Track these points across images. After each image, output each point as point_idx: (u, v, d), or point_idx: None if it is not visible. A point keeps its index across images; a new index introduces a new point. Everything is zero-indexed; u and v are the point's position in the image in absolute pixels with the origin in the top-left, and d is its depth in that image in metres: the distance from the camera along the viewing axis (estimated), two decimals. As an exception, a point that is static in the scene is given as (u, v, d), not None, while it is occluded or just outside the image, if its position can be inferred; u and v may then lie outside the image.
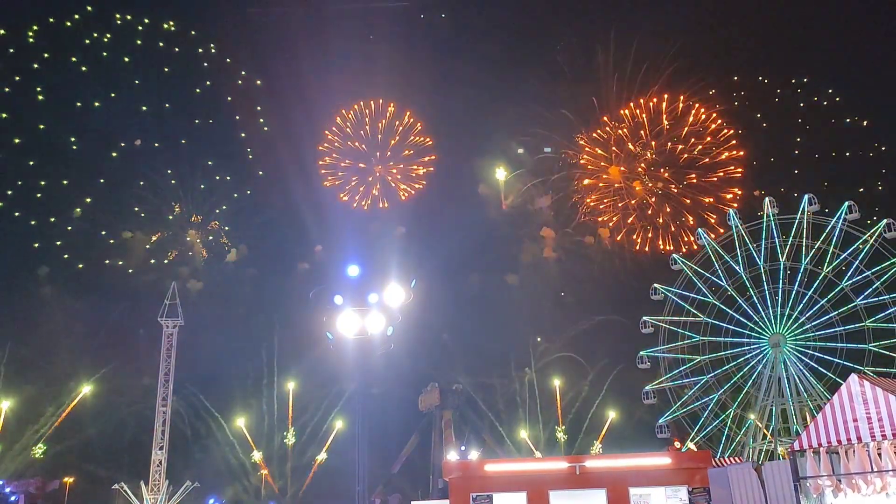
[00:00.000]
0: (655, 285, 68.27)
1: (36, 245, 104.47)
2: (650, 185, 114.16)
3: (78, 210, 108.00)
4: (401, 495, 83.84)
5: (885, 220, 59.10)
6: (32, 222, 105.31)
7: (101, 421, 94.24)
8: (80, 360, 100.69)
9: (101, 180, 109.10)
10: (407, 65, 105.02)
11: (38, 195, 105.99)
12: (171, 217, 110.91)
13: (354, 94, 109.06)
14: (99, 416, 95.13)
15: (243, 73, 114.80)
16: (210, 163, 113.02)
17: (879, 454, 19.60)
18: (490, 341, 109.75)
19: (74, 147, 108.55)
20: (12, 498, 77.66)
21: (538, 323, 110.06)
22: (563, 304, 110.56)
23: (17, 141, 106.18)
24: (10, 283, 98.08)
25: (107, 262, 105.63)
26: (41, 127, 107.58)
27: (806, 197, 62.61)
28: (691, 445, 63.50)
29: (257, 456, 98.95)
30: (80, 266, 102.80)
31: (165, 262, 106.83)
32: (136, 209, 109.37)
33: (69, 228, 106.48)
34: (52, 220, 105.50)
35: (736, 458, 49.37)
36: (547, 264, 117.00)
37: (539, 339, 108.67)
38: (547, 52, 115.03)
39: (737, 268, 65.48)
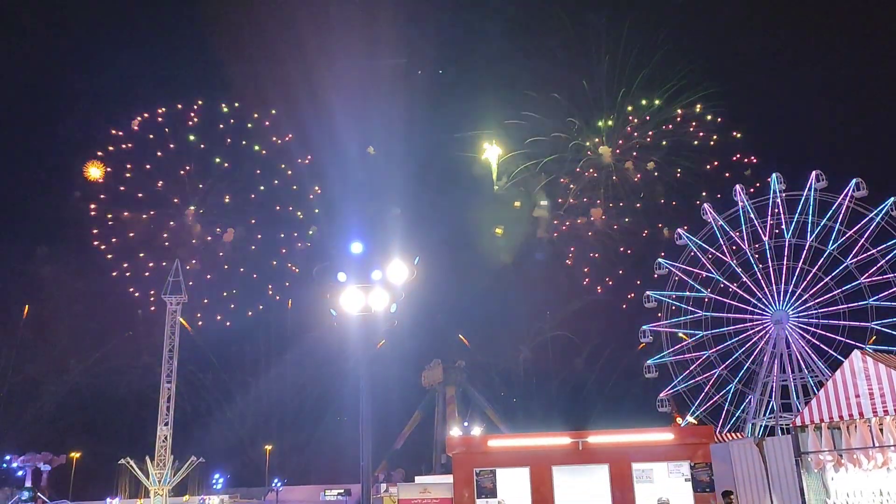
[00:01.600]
0: (659, 260, 68.39)
1: (34, 225, 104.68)
2: (646, 165, 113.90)
3: (78, 193, 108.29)
4: (404, 471, 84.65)
5: (892, 198, 58.82)
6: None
7: (103, 398, 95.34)
8: (80, 339, 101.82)
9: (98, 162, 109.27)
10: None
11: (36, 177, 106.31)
12: (175, 201, 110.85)
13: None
14: (101, 393, 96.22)
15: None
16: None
17: (881, 429, 19.67)
18: (490, 319, 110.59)
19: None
20: (20, 472, 78.45)
21: (536, 301, 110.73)
22: (561, 283, 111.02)
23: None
24: (9, 264, 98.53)
25: (103, 243, 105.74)
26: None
27: (813, 173, 62.24)
28: (691, 419, 63.96)
29: (260, 433, 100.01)
30: (79, 246, 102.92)
31: (166, 244, 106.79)
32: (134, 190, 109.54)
33: (68, 209, 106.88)
34: (50, 201, 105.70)
35: (738, 434, 49.65)
36: (543, 244, 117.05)
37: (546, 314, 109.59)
38: (543, 37, 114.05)
39: (741, 244, 65.37)
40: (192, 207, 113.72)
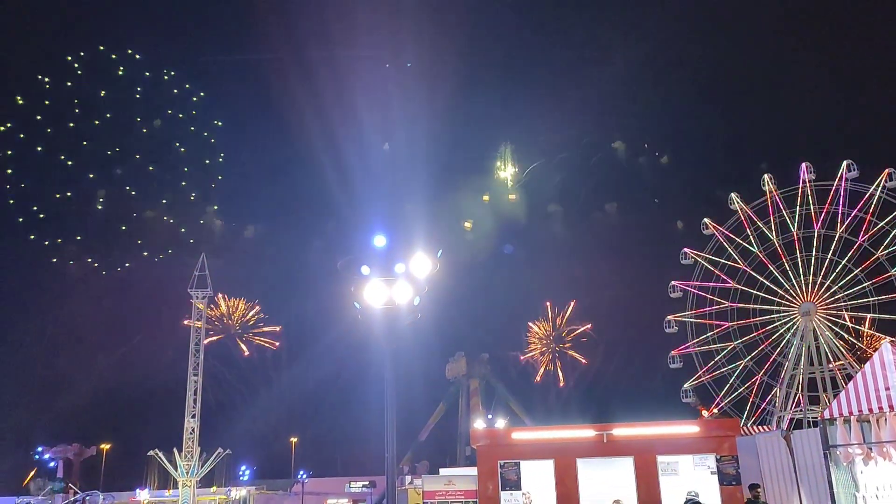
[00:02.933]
0: (685, 249, 67.68)
1: (62, 224, 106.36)
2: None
3: (102, 192, 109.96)
4: (428, 463, 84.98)
5: None
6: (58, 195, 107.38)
7: (131, 391, 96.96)
8: (108, 333, 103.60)
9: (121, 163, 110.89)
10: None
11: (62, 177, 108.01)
12: (192, 197, 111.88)
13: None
14: (128, 386, 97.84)
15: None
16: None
17: (912, 423, 19.35)
18: (510, 313, 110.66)
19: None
20: (51, 464, 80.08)
21: (559, 291, 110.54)
22: (588, 272, 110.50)
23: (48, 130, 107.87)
24: (38, 260, 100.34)
25: (130, 240, 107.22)
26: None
27: (844, 163, 61.10)
28: (715, 411, 63.58)
29: (285, 425, 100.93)
30: (106, 243, 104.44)
31: (191, 241, 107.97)
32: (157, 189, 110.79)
33: (96, 207, 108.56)
34: (78, 199, 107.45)
35: (765, 427, 49.17)
36: (567, 233, 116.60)
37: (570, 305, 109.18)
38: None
39: (769, 234, 64.47)
40: (214, 207, 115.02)
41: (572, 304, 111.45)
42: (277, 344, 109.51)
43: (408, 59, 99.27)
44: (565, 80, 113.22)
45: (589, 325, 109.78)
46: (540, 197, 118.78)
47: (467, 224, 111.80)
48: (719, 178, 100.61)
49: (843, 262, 60.59)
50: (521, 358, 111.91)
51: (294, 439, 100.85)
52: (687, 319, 66.49)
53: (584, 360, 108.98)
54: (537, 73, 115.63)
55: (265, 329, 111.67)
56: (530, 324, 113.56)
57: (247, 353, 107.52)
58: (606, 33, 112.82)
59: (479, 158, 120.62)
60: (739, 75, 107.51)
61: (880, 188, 58.82)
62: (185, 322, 74.19)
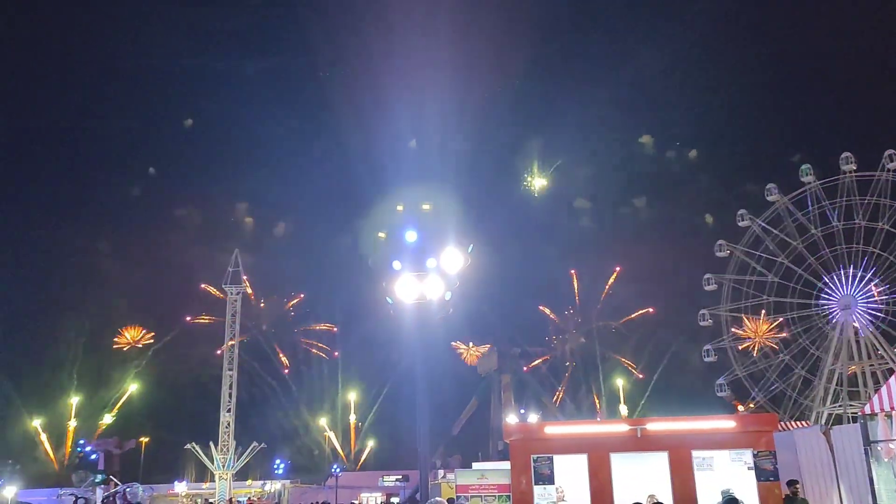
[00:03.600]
0: (720, 241, 66.58)
1: (98, 219, 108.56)
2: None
3: (135, 189, 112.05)
4: (461, 456, 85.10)
5: None
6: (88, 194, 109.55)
7: (165, 388, 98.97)
8: (144, 328, 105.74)
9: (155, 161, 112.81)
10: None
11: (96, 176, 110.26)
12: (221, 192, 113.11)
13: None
14: (162, 383, 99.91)
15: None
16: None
17: (956, 418, 18.86)
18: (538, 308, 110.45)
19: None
20: (93, 456, 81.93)
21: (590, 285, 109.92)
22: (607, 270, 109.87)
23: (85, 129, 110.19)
24: (75, 258, 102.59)
25: (162, 238, 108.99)
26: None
27: (886, 153, 59.53)
28: (752, 405, 62.68)
29: (321, 420, 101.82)
30: (138, 242, 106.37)
31: (225, 236, 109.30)
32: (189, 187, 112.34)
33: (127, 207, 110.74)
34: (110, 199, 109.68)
35: (803, 423, 48.35)
36: (596, 228, 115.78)
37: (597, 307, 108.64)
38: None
39: (808, 226, 63.13)
40: (245, 203, 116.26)
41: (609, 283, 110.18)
42: (336, 354, 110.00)
43: (438, 56, 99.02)
44: (597, 73, 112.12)
45: (651, 309, 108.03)
46: (569, 192, 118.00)
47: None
48: (750, 172, 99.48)
49: (886, 254, 59.16)
50: (543, 358, 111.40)
51: (327, 434, 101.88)
52: (722, 313, 65.50)
53: (633, 369, 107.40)
54: (567, 68, 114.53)
55: (317, 327, 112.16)
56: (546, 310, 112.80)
57: (287, 368, 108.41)
58: (637, 28, 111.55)
59: (510, 154, 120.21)
60: (772, 66, 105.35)
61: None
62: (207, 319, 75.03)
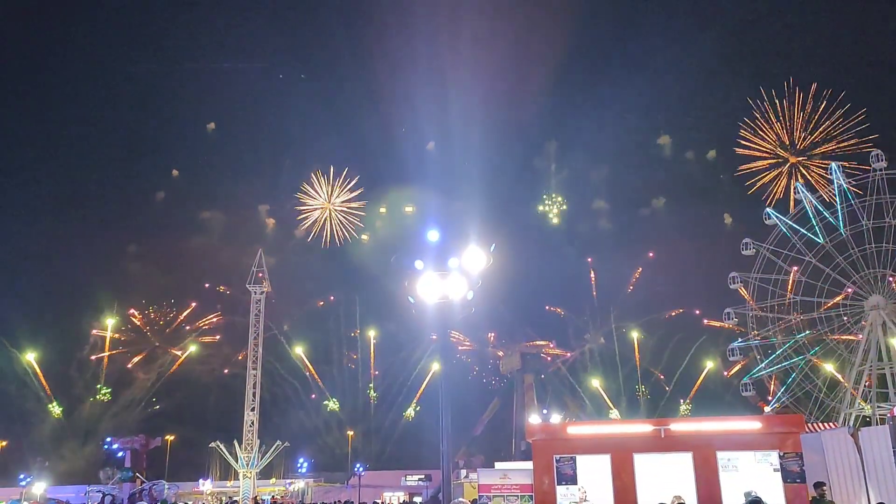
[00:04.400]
0: (746, 240, 65.79)
1: (123, 225, 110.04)
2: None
3: (161, 193, 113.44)
4: (484, 456, 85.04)
5: None
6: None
7: (188, 387, 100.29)
8: (169, 328, 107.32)
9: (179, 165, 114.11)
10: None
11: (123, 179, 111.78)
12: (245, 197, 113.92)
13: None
14: (185, 382, 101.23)
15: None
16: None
17: None
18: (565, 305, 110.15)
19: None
20: (119, 454, 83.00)
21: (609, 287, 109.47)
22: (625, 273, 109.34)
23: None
24: (101, 259, 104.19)
25: (187, 240, 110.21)
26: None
27: None
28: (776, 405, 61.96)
29: (343, 419, 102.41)
30: (164, 242, 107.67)
31: (248, 238, 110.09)
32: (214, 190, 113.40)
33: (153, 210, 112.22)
34: (137, 201, 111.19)
35: (830, 424, 47.65)
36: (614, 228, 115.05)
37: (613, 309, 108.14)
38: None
39: (837, 224, 62.11)
40: (266, 206, 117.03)
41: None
42: (356, 355, 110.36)
43: (459, 60, 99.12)
44: (618, 74, 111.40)
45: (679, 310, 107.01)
46: (586, 193, 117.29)
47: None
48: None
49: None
50: (568, 354, 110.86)
51: (351, 432, 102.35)
52: (747, 312, 64.75)
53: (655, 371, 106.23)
54: (588, 70, 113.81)
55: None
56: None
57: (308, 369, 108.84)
58: (656, 29, 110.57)
59: (529, 155, 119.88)
60: (791, 65, 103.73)
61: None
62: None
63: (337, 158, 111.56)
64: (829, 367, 62.51)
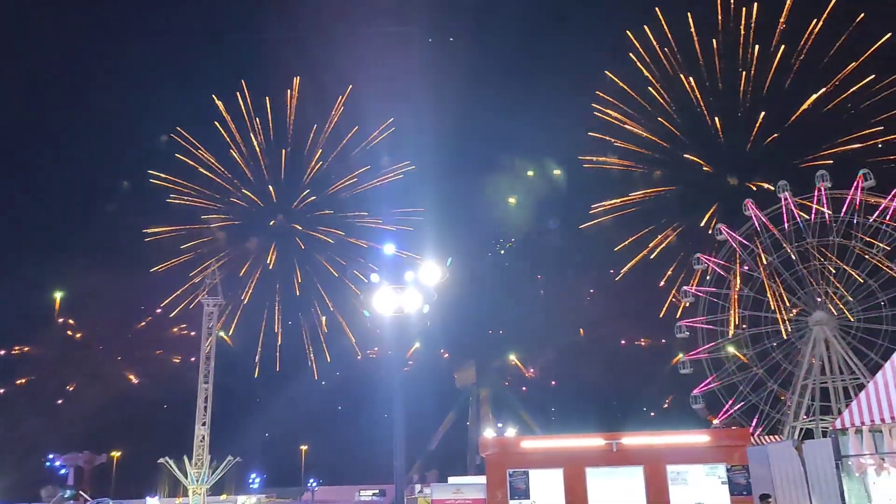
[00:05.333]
0: (698, 255, 67.42)
1: (72, 238, 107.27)
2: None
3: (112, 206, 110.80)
4: (438, 471, 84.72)
5: None
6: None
7: (139, 401, 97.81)
8: (118, 343, 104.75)
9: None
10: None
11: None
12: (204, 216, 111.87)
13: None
14: (137, 397, 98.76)
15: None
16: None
17: (925, 433, 19.15)
18: (520, 322, 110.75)
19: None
20: (62, 471, 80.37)
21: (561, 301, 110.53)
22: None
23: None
24: (49, 275, 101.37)
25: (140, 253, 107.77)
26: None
27: (861, 172, 60.54)
28: (716, 423, 63.25)
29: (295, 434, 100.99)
30: (114, 258, 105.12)
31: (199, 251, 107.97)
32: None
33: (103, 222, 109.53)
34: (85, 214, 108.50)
35: (775, 437, 48.73)
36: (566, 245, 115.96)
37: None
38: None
39: (783, 242, 63.96)
40: (212, 215, 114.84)
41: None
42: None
43: (412, 68, 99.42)
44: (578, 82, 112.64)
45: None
46: (538, 208, 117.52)
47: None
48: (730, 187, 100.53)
49: (858, 272, 60.04)
50: (529, 373, 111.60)
51: (304, 447, 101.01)
52: (698, 325, 66.06)
53: None
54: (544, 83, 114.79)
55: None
56: None
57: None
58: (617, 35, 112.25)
59: (489, 168, 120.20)
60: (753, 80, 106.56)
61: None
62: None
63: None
64: (772, 382, 63.94)
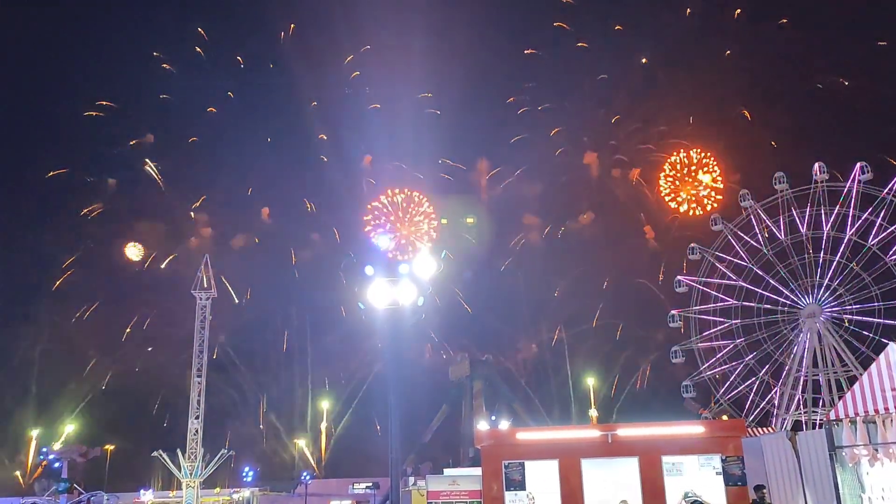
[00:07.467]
0: (693, 245, 67.46)
1: (60, 231, 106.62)
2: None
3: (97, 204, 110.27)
4: (432, 463, 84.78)
5: None
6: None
7: (132, 394, 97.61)
8: (110, 336, 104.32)
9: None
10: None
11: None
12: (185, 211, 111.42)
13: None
14: (130, 389, 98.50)
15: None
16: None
17: (918, 423, 19.26)
18: (513, 314, 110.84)
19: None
20: (56, 464, 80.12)
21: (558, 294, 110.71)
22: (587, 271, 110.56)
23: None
24: (34, 277, 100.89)
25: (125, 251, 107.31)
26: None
27: (858, 164, 60.57)
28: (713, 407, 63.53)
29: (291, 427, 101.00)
30: (101, 255, 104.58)
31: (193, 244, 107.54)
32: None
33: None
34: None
35: (766, 428, 48.96)
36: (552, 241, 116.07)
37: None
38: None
39: (778, 233, 64.06)
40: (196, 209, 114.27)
41: None
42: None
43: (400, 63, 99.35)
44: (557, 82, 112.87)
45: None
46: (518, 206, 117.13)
47: (469, 219, 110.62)
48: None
49: (852, 265, 60.19)
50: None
51: (298, 441, 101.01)
52: (691, 315, 66.21)
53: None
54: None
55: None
56: None
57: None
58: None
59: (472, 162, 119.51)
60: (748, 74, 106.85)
61: (892, 193, 58.24)
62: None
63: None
64: (765, 373, 64.22)
